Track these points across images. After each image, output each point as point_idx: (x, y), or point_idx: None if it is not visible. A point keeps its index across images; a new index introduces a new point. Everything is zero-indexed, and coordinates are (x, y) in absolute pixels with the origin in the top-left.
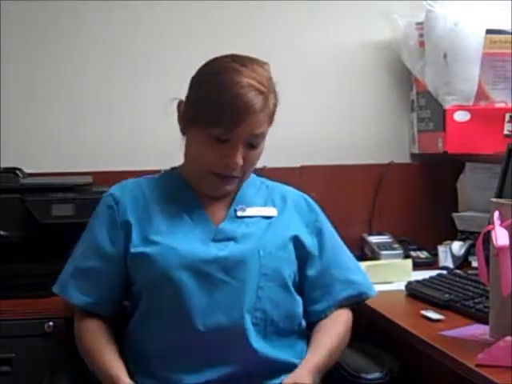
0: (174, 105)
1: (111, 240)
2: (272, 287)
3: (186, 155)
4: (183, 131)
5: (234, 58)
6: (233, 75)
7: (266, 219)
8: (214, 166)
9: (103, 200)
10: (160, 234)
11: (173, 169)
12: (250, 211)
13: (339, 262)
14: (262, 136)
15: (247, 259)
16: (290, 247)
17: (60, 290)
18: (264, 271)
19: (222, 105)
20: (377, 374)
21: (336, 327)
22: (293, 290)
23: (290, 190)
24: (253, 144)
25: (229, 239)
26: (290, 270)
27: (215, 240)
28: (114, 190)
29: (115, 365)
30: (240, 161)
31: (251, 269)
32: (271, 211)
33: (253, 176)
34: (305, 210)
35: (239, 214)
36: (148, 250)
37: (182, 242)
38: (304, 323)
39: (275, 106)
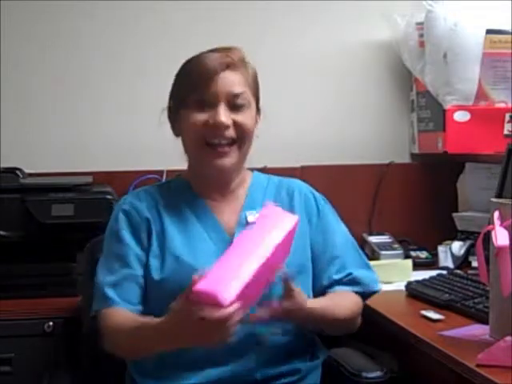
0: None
1: (137, 241)
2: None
3: (185, 151)
4: (176, 131)
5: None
6: (203, 54)
7: None
8: (204, 134)
9: (117, 207)
10: (176, 247)
11: (178, 175)
12: None
13: (340, 256)
14: (244, 98)
15: None
16: (302, 252)
17: (101, 306)
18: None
19: (194, 73)
20: (377, 373)
21: (342, 296)
22: (311, 292)
23: (297, 185)
24: (236, 105)
25: None
26: (306, 276)
27: None
28: (127, 196)
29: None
30: (225, 119)
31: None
32: None
33: (259, 175)
34: (313, 207)
35: (250, 219)
36: (164, 264)
37: (198, 257)
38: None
39: (255, 80)
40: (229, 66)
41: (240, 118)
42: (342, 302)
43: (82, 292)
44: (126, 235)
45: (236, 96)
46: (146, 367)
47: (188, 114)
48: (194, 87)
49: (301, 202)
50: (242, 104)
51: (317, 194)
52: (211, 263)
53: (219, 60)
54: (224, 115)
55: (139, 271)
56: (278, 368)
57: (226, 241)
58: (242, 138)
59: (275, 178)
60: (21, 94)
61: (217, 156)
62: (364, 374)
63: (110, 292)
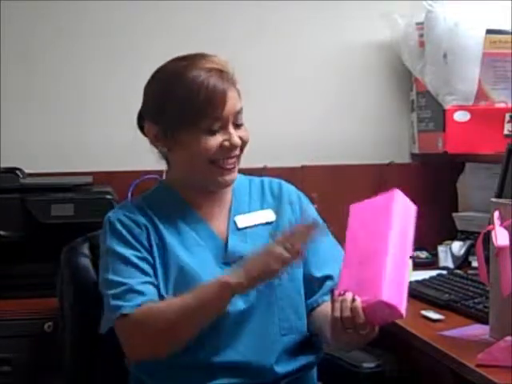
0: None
1: (141, 246)
2: (289, 295)
3: (175, 164)
4: (166, 145)
5: (185, 56)
6: (196, 63)
7: (266, 226)
8: (214, 155)
9: (111, 219)
10: (179, 258)
11: (159, 182)
12: (248, 220)
13: (319, 254)
14: (242, 111)
15: None
16: None
17: (115, 315)
18: (280, 282)
19: (202, 96)
20: (377, 363)
21: None
22: (303, 292)
23: (281, 185)
24: (238, 123)
25: (240, 258)
26: (299, 273)
27: (227, 263)
28: (117, 210)
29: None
30: (238, 140)
31: (266, 285)
32: (269, 215)
33: (239, 177)
34: (296, 205)
35: (239, 225)
36: (169, 277)
37: (201, 266)
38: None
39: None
40: (231, 83)
41: (242, 133)
42: None
43: (62, 296)
44: (125, 243)
45: (239, 112)
46: (156, 368)
47: (195, 137)
48: (205, 112)
49: (286, 198)
50: (242, 119)
51: (301, 194)
52: (213, 270)
53: (222, 79)
54: (236, 136)
55: (142, 276)
56: (292, 364)
57: (221, 246)
58: (243, 150)
59: (256, 180)
60: (21, 94)
61: (224, 173)
62: (365, 365)
63: (123, 302)
